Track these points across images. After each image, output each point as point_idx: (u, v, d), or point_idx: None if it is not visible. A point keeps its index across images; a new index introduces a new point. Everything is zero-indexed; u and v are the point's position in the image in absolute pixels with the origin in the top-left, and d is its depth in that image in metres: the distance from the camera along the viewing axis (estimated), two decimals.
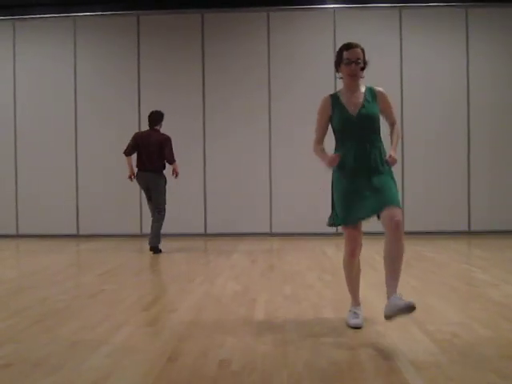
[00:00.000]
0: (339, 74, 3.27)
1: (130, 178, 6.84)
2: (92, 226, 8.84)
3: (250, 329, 3.16)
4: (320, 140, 3.27)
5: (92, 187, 8.88)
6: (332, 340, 2.91)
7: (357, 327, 3.15)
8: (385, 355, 2.64)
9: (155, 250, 6.67)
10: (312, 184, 8.22)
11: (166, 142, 6.70)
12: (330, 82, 8.47)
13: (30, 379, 2.38)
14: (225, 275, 5.05)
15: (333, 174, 3.24)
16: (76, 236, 8.86)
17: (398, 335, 2.98)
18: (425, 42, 8.57)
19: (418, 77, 8.53)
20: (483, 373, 2.39)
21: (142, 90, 8.79)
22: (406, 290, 4.17)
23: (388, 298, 2.83)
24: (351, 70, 3.14)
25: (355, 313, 3.25)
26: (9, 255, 7.05)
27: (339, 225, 3.20)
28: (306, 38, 8.68)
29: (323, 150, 3.23)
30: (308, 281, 4.70)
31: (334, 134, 3.27)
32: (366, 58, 3.21)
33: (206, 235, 8.73)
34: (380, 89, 3.24)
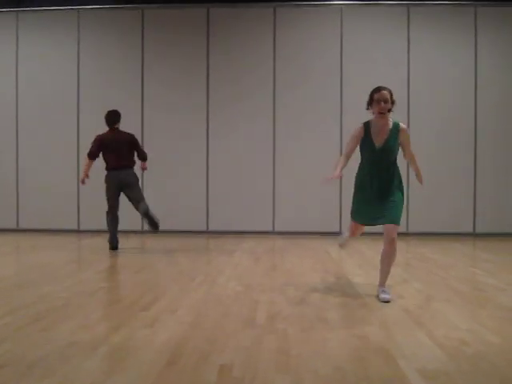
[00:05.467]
0: (371, 110, 3.93)
1: (83, 181, 6.65)
2: (93, 221, 8.77)
3: (251, 332, 3.07)
4: (348, 155, 3.98)
5: (93, 182, 8.79)
6: (336, 345, 2.83)
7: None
8: (391, 362, 2.56)
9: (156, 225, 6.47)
10: (315, 183, 8.12)
11: (134, 140, 6.67)
12: (336, 78, 8.39)
13: (25, 381, 2.30)
14: (226, 274, 4.96)
15: (355, 185, 4.15)
16: (77, 231, 8.80)
17: (404, 340, 2.90)
18: (432, 40, 8.46)
19: (425, 75, 8.43)
20: (493, 382, 2.31)
21: (145, 85, 8.69)
22: (411, 293, 4.09)
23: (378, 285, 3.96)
24: (380, 108, 3.82)
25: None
26: (8, 251, 6.98)
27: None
28: (313, 34, 8.57)
29: (341, 164, 3.93)
30: (311, 283, 4.61)
31: (361, 155, 4.04)
32: (394, 97, 3.88)
33: (207, 233, 8.66)
34: (403, 126, 3.94)
